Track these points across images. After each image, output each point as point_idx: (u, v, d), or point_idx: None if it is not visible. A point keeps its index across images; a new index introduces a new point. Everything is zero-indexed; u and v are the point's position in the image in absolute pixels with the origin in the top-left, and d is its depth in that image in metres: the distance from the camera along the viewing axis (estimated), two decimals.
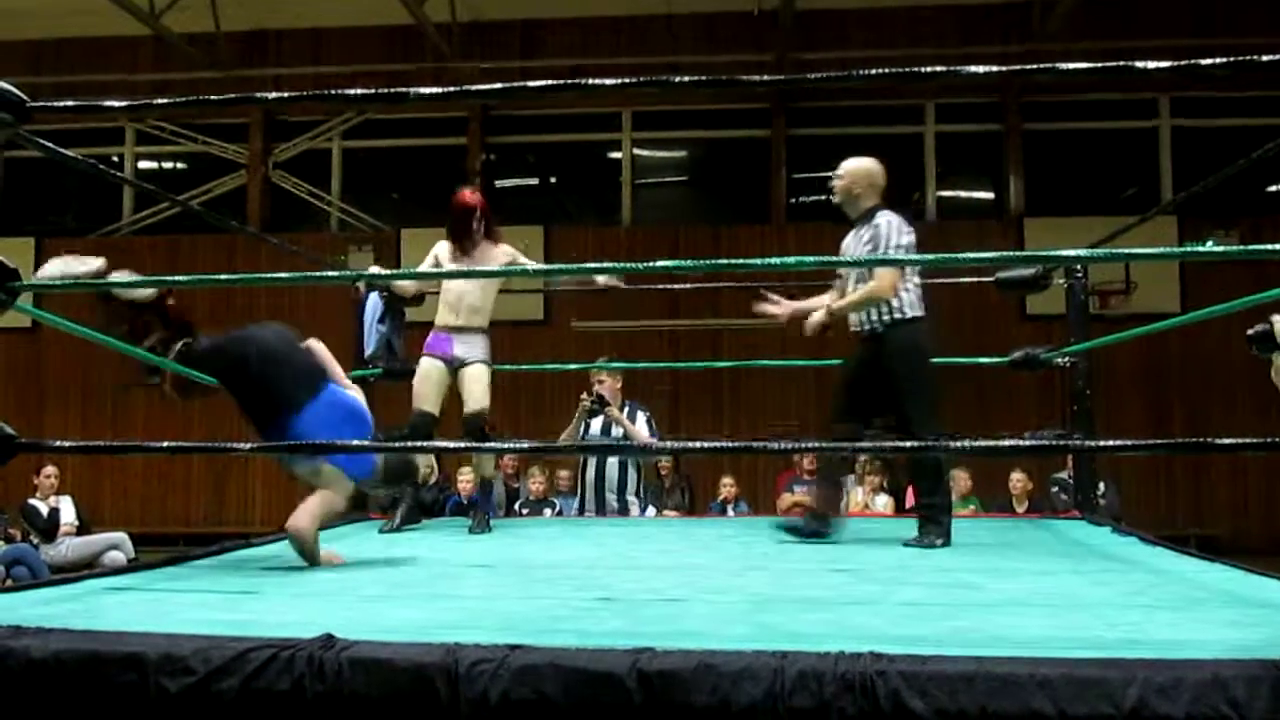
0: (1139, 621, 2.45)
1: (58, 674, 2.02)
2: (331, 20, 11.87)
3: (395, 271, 3.98)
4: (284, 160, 12.42)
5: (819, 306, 4.47)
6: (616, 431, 6.02)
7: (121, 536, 8.88)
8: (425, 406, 4.99)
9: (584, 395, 6.03)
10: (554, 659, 1.93)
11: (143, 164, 12.88)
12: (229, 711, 1.95)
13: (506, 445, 6.20)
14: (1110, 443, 4.31)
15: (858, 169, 4.47)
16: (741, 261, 2.80)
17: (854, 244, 4.41)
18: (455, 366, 5.02)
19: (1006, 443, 3.92)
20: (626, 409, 6.12)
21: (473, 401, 4.96)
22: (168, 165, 13.05)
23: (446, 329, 5.06)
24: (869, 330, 4.33)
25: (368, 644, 2.02)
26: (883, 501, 8.73)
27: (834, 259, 4.19)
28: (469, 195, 5.10)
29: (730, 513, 8.24)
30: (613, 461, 6.16)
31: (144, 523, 10.80)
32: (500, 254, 5.03)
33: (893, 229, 4.29)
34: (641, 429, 6.05)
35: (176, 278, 4.55)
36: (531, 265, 5.32)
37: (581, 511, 6.31)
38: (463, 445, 4.77)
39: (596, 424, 6.06)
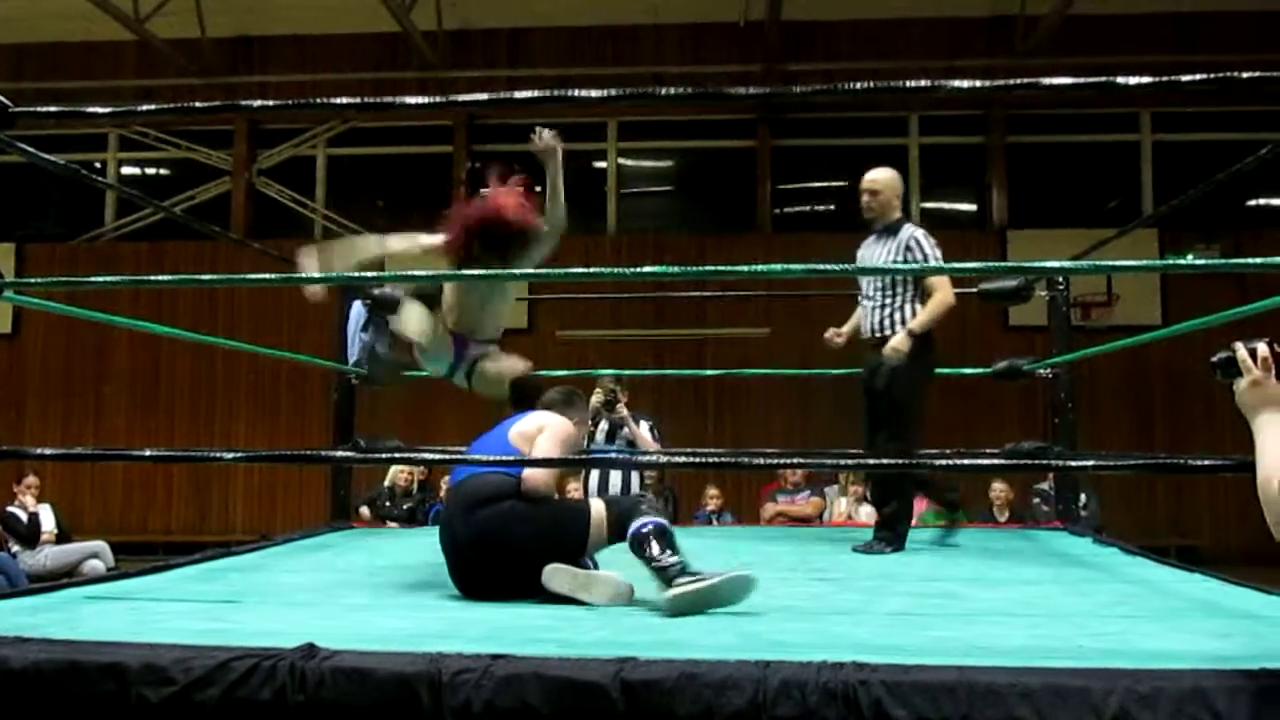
0: (1120, 631, 2.46)
1: (36, 684, 2.01)
2: (318, 27, 11.85)
3: (382, 274, 3.93)
4: (268, 167, 12.38)
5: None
6: (623, 434, 6.09)
7: (101, 545, 8.81)
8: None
9: (597, 391, 6.03)
10: (537, 668, 1.93)
11: (126, 169, 12.81)
12: None
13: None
14: (1088, 462, 4.36)
15: (892, 180, 4.52)
16: (727, 269, 2.80)
17: (878, 252, 4.46)
18: (468, 364, 3.95)
19: (985, 460, 3.93)
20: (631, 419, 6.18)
21: (510, 373, 3.91)
22: (151, 171, 12.99)
23: (463, 333, 4.00)
24: (879, 336, 4.39)
25: (350, 653, 2.01)
26: (866, 512, 8.73)
27: (820, 267, 4.20)
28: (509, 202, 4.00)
29: (715, 523, 8.23)
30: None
31: (124, 531, 10.72)
32: None
33: (933, 245, 4.37)
34: (645, 436, 6.10)
35: (160, 277, 4.52)
36: None
37: None
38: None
39: (600, 433, 6.11)
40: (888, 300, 4.39)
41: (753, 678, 1.86)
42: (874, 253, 4.49)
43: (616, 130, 12.08)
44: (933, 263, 4.32)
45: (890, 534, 4.30)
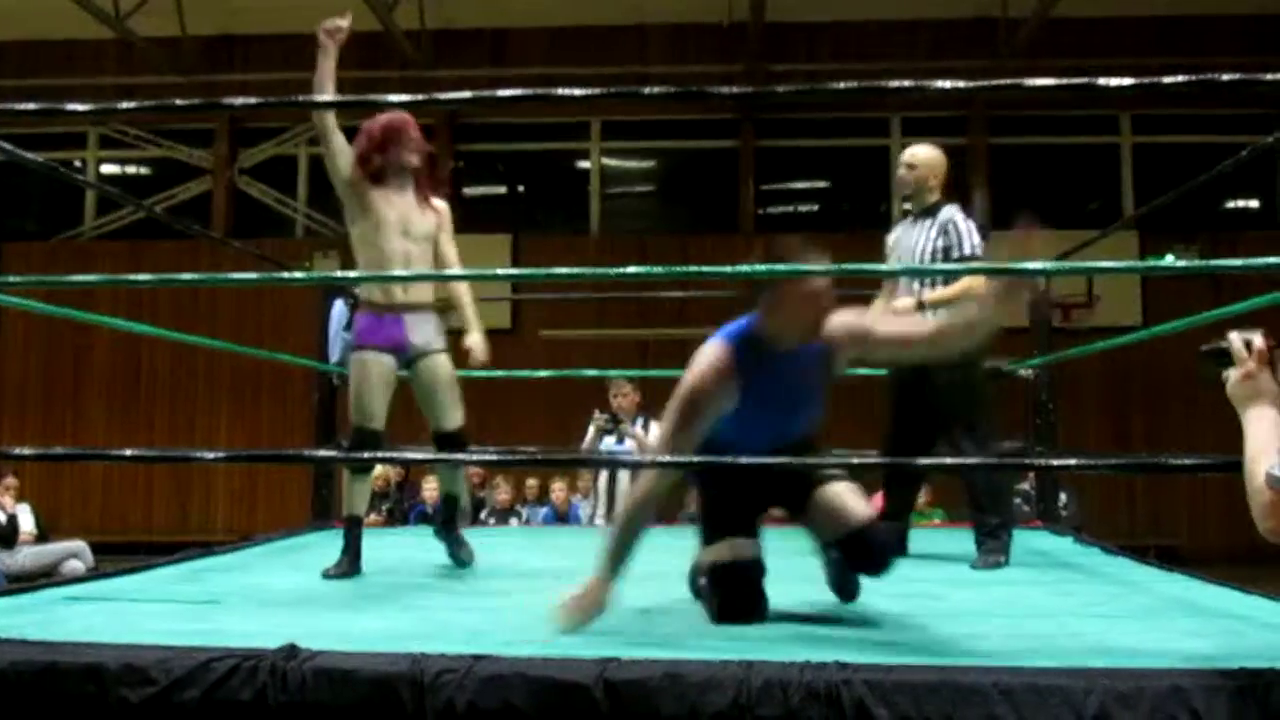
0: (1100, 631, 2.48)
1: (15, 686, 1.99)
2: (298, 26, 11.70)
3: (361, 274, 3.91)
4: (250, 166, 12.32)
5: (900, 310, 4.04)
6: (630, 443, 6.24)
7: (80, 545, 8.74)
8: (373, 425, 3.68)
9: (597, 413, 6.25)
10: (520, 668, 1.92)
11: (106, 168, 12.72)
12: None
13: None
14: (1069, 461, 4.35)
15: (932, 159, 4.25)
16: (711, 269, 2.80)
17: (916, 236, 4.17)
18: (409, 358, 3.80)
19: (967, 460, 3.93)
20: (640, 420, 6.30)
21: (451, 417, 3.82)
22: (131, 170, 12.90)
23: (392, 308, 3.73)
24: None
25: (332, 654, 2.00)
26: None
27: (804, 269, 4.19)
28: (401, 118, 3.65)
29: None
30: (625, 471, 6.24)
31: (104, 531, 10.63)
32: (438, 212, 3.84)
33: (971, 230, 4.08)
34: (654, 441, 6.19)
35: (140, 276, 4.48)
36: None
37: (594, 519, 6.61)
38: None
39: (611, 436, 6.31)
40: (926, 291, 4.06)
41: (736, 678, 1.86)
42: (910, 236, 4.21)
43: (600, 130, 12.08)
44: (967, 246, 4.05)
45: (999, 543, 3.91)
